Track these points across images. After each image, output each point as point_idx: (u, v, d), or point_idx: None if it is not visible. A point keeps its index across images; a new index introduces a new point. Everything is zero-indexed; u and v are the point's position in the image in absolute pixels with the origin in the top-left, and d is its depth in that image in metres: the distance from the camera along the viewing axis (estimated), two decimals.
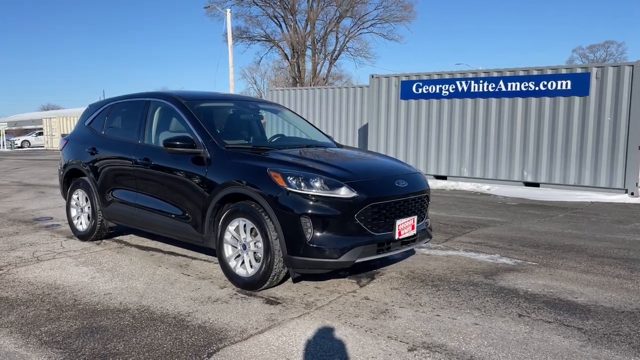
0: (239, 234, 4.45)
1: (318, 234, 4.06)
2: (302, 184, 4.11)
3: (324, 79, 40.04)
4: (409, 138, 13.94)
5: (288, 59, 41.18)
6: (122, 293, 4.36)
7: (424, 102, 13.63)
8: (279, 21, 40.84)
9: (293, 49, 40.20)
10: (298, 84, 37.95)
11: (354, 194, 4.15)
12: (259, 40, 41.42)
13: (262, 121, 5.90)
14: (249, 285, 4.37)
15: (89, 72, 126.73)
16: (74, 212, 6.42)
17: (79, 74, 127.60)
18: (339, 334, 3.51)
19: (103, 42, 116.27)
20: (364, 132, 16.72)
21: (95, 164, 5.96)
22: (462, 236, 6.62)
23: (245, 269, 4.43)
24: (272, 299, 4.21)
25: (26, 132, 56.05)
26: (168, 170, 5.03)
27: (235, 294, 4.32)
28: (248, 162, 4.47)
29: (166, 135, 5.17)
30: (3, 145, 47.19)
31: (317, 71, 40.89)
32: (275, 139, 5.79)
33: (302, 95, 19.06)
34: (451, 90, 13.15)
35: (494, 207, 9.29)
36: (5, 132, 51.18)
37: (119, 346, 3.31)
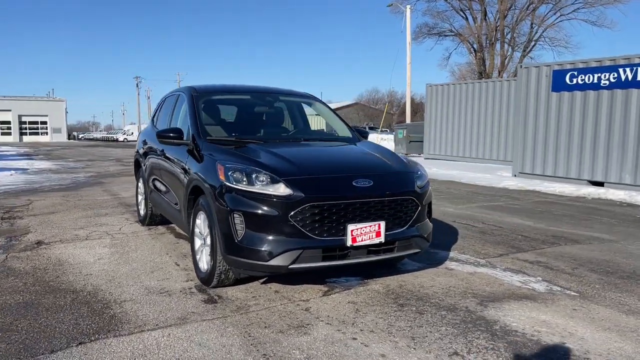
0: (202, 228, 4.35)
1: (250, 233, 3.76)
2: (243, 179, 3.84)
3: (513, 73, 37.00)
4: (559, 136, 12.10)
5: (474, 53, 39.04)
6: (100, 275, 4.59)
7: (578, 94, 11.69)
8: (465, 14, 38.97)
9: (479, 42, 37.97)
10: (483, 79, 35.75)
11: (288, 192, 3.74)
12: (446, 36, 40.10)
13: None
14: (204, 281, 4.25)
15: (304, 72, 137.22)
16: (139, 199, 7.01)
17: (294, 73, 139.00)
18: (221, 342, 3.20)
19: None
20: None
21: (144, 155, 6.43)
22: (529, 252, 5.51)
23: (204, 264, 4.31)
24: (215, 297, 4.03)
25: None
26: (171, 161, 5.17)
27: (190, 289, 4.23)
28: (213, 155, 4.33)
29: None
30: None
31: (506, 64, 37.96)
32: (276, 131, 5.52)
33: (460, 90, 17.96)
34: (612, 80, 11.03)
35: (620, 222, 7.52)
36: None
37: (23, 324, 3.49)
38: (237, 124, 5.28)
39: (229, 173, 3.89)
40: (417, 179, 4.31)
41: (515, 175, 12.98)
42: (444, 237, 6.14)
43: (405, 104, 32.32)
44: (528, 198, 9.64)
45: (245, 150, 4.36)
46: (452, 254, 5.41)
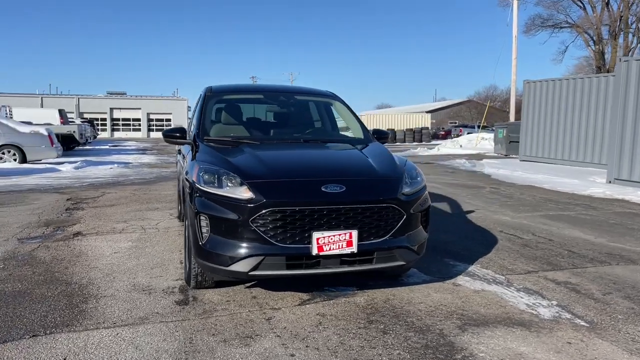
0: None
1: (213, 236, 3.68)
2: (213, 181, 3.78)
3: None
4: None
5: (592, 46, 35.70)
6: (103, 269, 4.77)
7: None
8: (582, 3, 35.75)
9: (598, 34, 34.64)
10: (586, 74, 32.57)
11: (249, 196, 3.60)
12: (562, 28, 37.09)
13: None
14: (187, 282, 4.25)
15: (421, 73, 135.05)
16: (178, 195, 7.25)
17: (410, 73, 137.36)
18: (159, 346, 3.16)
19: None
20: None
21: (178, 152, 6.63)
22: (564, 271, 4.88)
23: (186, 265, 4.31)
24: (191, 299, 4.00)
25: None
26: (183, 159, 5.26)
27: (173, 288, 4.26)
28: (199, 154, 4.32)
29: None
30: None
31: None
32: (279, 132, 5.34)
33: (559, 87, 16.56)
34: None
35: None
36: None
37: (7, 311, 3.71)
38: (243, 123, 5.23)
39: (200, 174, 3.85)
40: (405, 185, 3.97)
41: (610, 182, 11.67)
42: (476, 248, 5.63)
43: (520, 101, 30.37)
44: (608, 208, 8.59)
45: (233, 151, 4.29)
46: (471, 267, 4.94)
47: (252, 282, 4.31)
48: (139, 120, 73.85)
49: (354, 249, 3.66)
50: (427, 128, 50.40)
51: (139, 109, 73.54)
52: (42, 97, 68.73)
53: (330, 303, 3.94)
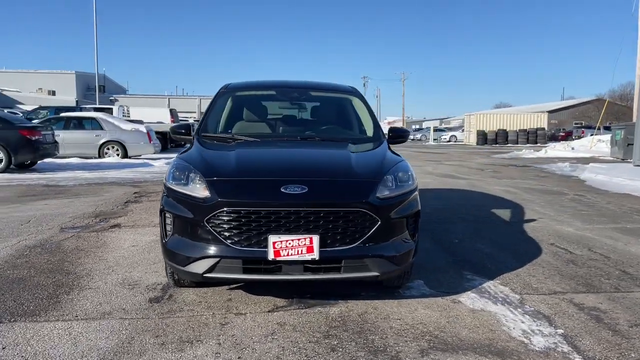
0: None
1: (175, 235, 3.59)
2: (182, 178, 3.69)
3: None
4: None
5: None
6: (109, 261, 4.89)
7: None
8: None
9: None
10: None
11: (206, 194, 3.46)
12: None
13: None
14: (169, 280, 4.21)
15: (545, 71, 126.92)
16: None
17: (533, 73, 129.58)
18: (93, 344, 3.13)
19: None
20: None
21: None
22: (600, 294, 4.16)
23: None
24: (166, 297, 3.95)
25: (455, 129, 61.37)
26: None
27: (158, 284, 4.23)
28: (186, 151, 4.26)
29: None
30: (431, 139, 53.05)
31: None
32: (283, 129, 5.07)
33: None
34: None
35: None
36: (436, 130, 57.73)
37: None
38: (248, 120, 5.10)
39: (172, 171, 3.78)
40: (385, 188, 3.59)
41: None
42: (508, 262, 5.03)
43: None
44: None
45: (221, 148, 4.21)
46: (488, 283, 4.39)
47: (237, 284, 4.16)
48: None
49: (314, 255, 3.37)
50: (543, 129, 47.11)
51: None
52: (169, 98, 74.20)
53: (300, 312, 3.68)
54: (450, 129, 62.26)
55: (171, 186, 3.65)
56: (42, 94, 56.30)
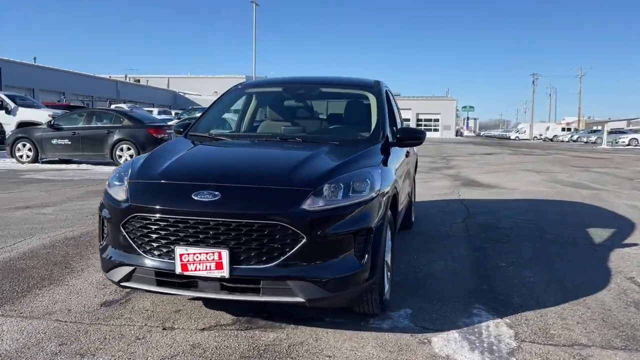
0: None
1: (106, 239, 3.42)
2: (119, 177, 3.51)
3: None
4: None
5: None
6: None
7: None
8: None
9: None
10: None
11: (123, 197, 3.23)
12: None
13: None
14: None
15: None
16: None
17: None
18: None
19: None
20: None
21: None
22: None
23: None
24: (123, 301, 3.83)
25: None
26: None
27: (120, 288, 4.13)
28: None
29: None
30: (604, 142, 47.47)
31: None
32: (273, 128, 4.55)
33: None
34: None
35: None
36: (615, 132, 51.48)
37: None
38: (247, 118, 4.78)
39: (116, 170, 3.62)
40: (320, 198, 3.03)
41: None
42: (548, 297, 4.05)
43: None
44: None
45: (181, 147, 3.96)
46: (490, 322, 3.54)
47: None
48: (408, 120, 76.23)
49: (224, 272, 2.95)
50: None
51: (409, 109, 75.81)
52: None
53: (232, 334, 3.27)
54: (635, 131, 54.79)
55: (106, 186, 3.49)
56: (217, 96, 61.93)
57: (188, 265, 2.98)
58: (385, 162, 3.84)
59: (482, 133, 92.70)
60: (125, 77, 64.55)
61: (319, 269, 2.99)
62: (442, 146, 36.32)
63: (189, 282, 3.07)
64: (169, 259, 3.03)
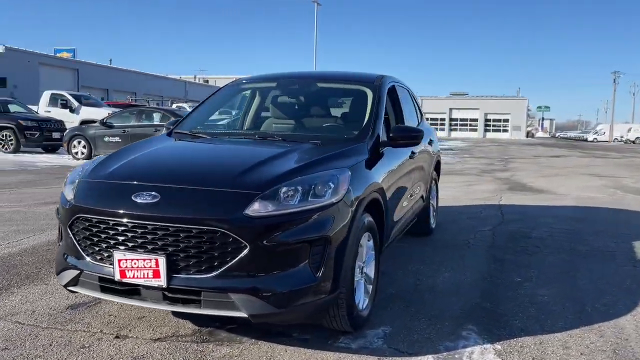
0: None
1: (61, 240, 3.28)
2: (74, 177, 3.37)
3: None
4: None
5: None
6: None
7: None
8: None
9: None
10: None
11: (71, 197, 3.07)
12: None
13: None
14: None
15: None
16: None
17: None
18: None
19: None
20: None
21: None
22: None
23: None
24: (85, 305, 3.69)
25: None
26: None
27: None
28: None
29: None
30: None
31: None
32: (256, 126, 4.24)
33: None
34: None
35: None
36: None
37: None
38: (241, 114, 4.56)
39: (76, 168, 3.48)
40: (269, 202, 2.73)
41: None
42: (556, 320, 3.55)
43: None
44: None
45: (160, 144, 3.77)
46: (477, 347, 3.12)
47: None
48: (476, 120, 73.94)
49: (161, 281, 2.71)
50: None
51: (477, 109, 73.53)
52: None
53: (180, 346, 3.04)
54: None
55: (63, 184, 3.35)
56: None
57: (126, 271, 2.77)
58: (368, 163, 3.48)
59: (557, 134, 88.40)
60: (195, 77, 66.57)
61: (265, 282, 2.70)
62: (507, 147, 34.77)
63: (132, 290, 2.86)
64: (110, 264, 2.83)
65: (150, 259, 2.71)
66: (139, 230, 2.74)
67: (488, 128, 74.36)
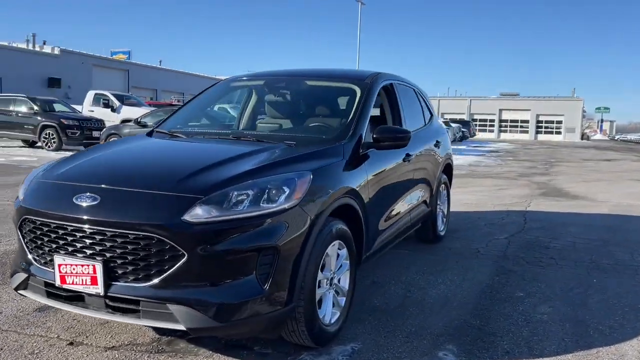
0: None
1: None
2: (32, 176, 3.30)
3: None
4: None
5: None
6: None
7: None
8: None
9: None
10: None
11: (21, 197, 2.97)
12: None
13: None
14: None
15: None
16: None
17: None
18: None
19: None
20: None
21: None
22: None
23: None
24: (53, 310, 3.61)
25: None
26: None
27: None
28: None
29: None
30: None
31: None
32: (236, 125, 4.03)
33: None
34: None
35: None
36: None
37: None
38: (207, 115, 4.40)
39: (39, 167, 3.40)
40: (213, 207, 2.54)
41: None
42: (553, 342, 3.20)
43: None
44: None
45: (123, 144, 3.68)
46: None
47: None
48: (527, 121, 71.61)
49: (99, 289, 2.57)
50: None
51: (528, 110, 71.20)
52: (439, 100, 74.18)
53: (131, 356, 2.90)
54: None
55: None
56: None
57: (66, 277, 2.64)
58: (341, 166, 3.24)
59: (617, 137, 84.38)
60: None
61: (205, 293, 2.51)
62: (557, 150, 33.39)
63: (76, 297, 2.72)
64: (52, 269, 2.71)
65: (88, 265, 2.57)
66: (78, 234, 2.61)
67: (540, 130, 71.86)
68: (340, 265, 3.22)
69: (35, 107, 17.26)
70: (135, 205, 2.59)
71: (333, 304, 3.16)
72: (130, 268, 2.53)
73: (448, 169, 5.73)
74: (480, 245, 5.49)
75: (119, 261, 2.54)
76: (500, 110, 72.70)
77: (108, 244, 2.54)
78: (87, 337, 3.13)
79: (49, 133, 16.78)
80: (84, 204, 2.62)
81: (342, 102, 4.09)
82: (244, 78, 4.58)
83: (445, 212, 5.76)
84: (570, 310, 3.73)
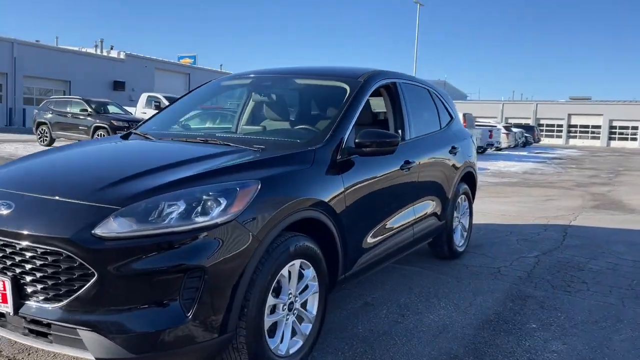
0: None
1: None
2: None
3: None
4: None
5: None
6: None
7: None
8: None
9: None
10: None
11: None
12: None
13: None
14: None
15: None
16: None
17: None
18: None
19: None
20: None
21: None
22: None
23: None
24: None
25: None
26: None
27: None
28: None
29: None
30: None
31: None
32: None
33: None
34: None
35: None
36: None
37: None
38: (185, 114, 4.11)
39: None
40: (130, 220, 2.22)
41: None
42: None
43: None
44: None
45: (76, 147, 3.46)
46: None
47: None
48: (598, 127, 67.87)
49: (8, 307, 2.30)
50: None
51: (601, 115, 67.39)
52: (503, 104, 71.72)
53: None
54: None
55: None
56: None
57: None
58: (307, 174, 2.85)
59: None
60: None
61: (118, 319, 2.18)
62: (629, 158, 31.18)
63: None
64: None
65: None
66: None
67: (613, 136, 67.87)
68: (306, 287, 2.83)
69: (89, 109, 17.78)
70: (47, 216, 2.31)
71: (294, 331, 2.77)
72: (39, 286, 2.25)
73: (469, 178, 5.18)
74: (503, 264, 4.91)
75: (28, 278, 2.26)
76: (570, 115, 69.27)
77: (18, 258, 2.28)
78: (29, 354, 2.89)
79: (101, 134, 17.22)
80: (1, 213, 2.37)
81: (330, 102, 3.69)
82: (235, 76, 4.26)
83: (467, 226, 5.21)
84: (587, 350, 3.15)
